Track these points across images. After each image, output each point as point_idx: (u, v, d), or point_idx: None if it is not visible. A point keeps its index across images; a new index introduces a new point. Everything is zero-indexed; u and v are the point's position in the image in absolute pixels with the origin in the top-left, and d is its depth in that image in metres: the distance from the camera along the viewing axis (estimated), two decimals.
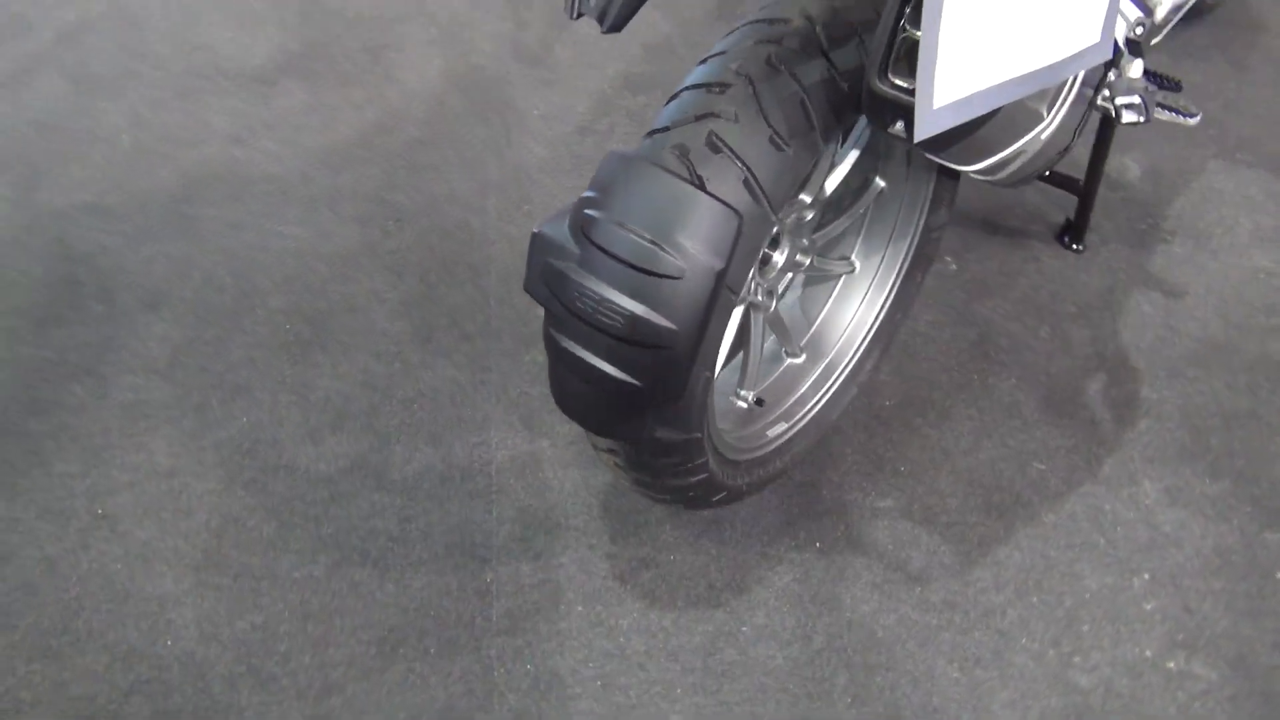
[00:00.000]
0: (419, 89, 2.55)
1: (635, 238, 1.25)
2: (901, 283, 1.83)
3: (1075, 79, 1.37)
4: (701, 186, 1.27)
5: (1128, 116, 1.45)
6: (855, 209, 1.73)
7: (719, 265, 1.25)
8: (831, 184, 1.61)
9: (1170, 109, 1.77)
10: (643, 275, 1.26)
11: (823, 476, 1.86)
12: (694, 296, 1.26)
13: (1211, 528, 1.80)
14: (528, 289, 1.36)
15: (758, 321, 1.65)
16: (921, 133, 1.09)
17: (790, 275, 1.70)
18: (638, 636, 1.66)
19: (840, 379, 1.82)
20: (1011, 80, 1.14)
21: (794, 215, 1.60)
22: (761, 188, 1.29)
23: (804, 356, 1.81)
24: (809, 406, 1.78)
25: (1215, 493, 1.85)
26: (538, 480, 1.84)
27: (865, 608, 1.70)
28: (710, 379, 1.39)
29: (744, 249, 1.30)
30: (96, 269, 2.14)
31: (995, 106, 1.15)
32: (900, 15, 1.13)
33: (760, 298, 1.63)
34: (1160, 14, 1.79)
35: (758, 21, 1.38)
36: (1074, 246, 2.23)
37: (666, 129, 1.33)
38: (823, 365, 1.81)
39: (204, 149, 2.39)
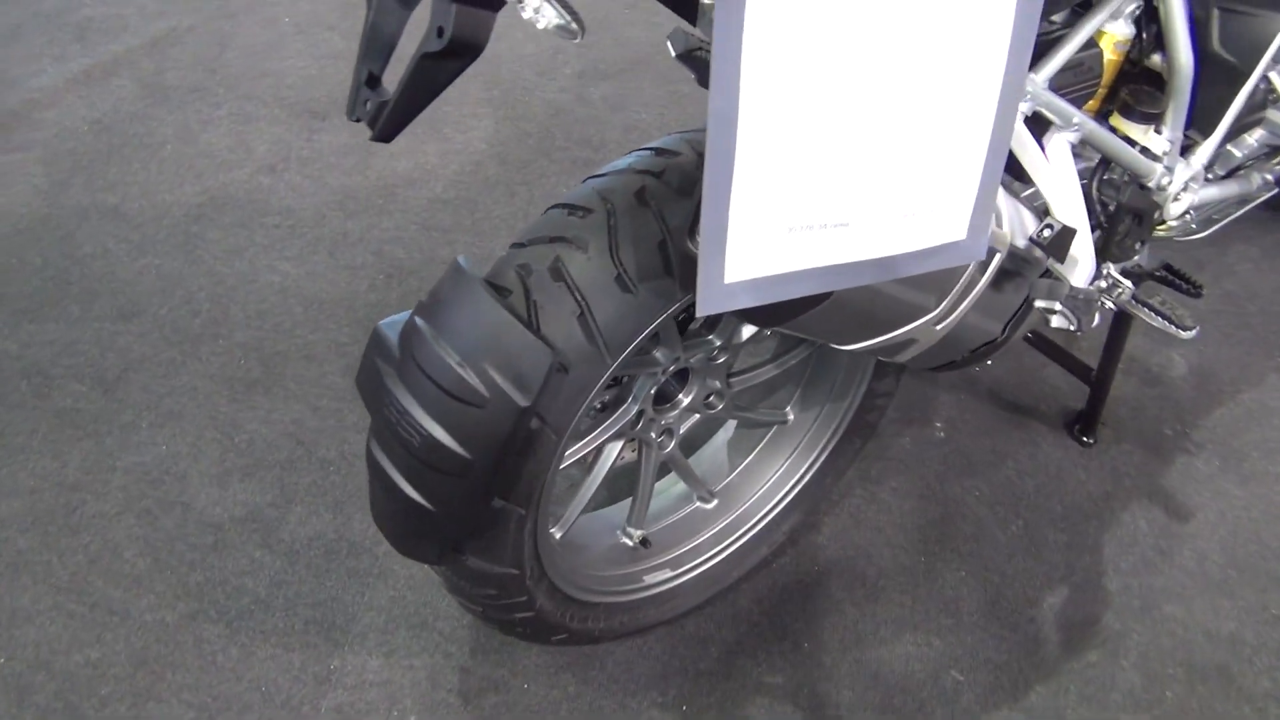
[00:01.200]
0: (459, 148, 2.53)
1: (445, 357, 1.17)
2: (835, 446, 1.68)
3: (987, 269, 1.23)
4: (525, 317, 1.18)
5: (1055, 321, 1.28)
6: (787, 359, 1.60)
7: (523, 401, 1.15)
8: (748, 330, 1.49)
9: (1163, 315, 1.57)
10: (445, 397, 1.17)
11: (718, 633, 1.72)
12: (493, 428, 1.17)
13: None
14: (357, 384, 1.30)
15: (648, 459, 1.54)
16: (706, 307, 0.98)
17: (697, 416, 1.58)
18: None
19: (748, 536, 1.68)
20: (838, 266, 1.01)
21: (701, 355, 1.48)
22: (597, 328, 1.19)
23: (715, 503, 1.68)
24: (704, 558, 1.65)
25: None
26: (423, 572, 1.76)
27: None
28: (525, 516, 1.29)
29: (564, 388, 1.19)
30: (89, 271, 2.18)
31: (818, 292, 1.02)
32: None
33: (654, 435, 1.52)
34: (1177, 209, 1.60)
35: (647, 149, 1.29)
36: (1082, 439, 2.02)
37: (522, 245, 1.24)
38: (732, 517, 1.68)
39: (235, 172, 2.42)
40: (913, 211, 1.02)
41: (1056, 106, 1.29)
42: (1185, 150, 1.59)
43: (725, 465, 1.71)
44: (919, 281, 1.15)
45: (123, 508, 1.81)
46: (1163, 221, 1.59)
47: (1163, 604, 1.80)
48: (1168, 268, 1.74)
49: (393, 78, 1.08)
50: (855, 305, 1.13)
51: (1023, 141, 1.27)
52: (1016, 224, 1.29)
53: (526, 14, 0.86)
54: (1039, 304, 1.27)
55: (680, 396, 1.52)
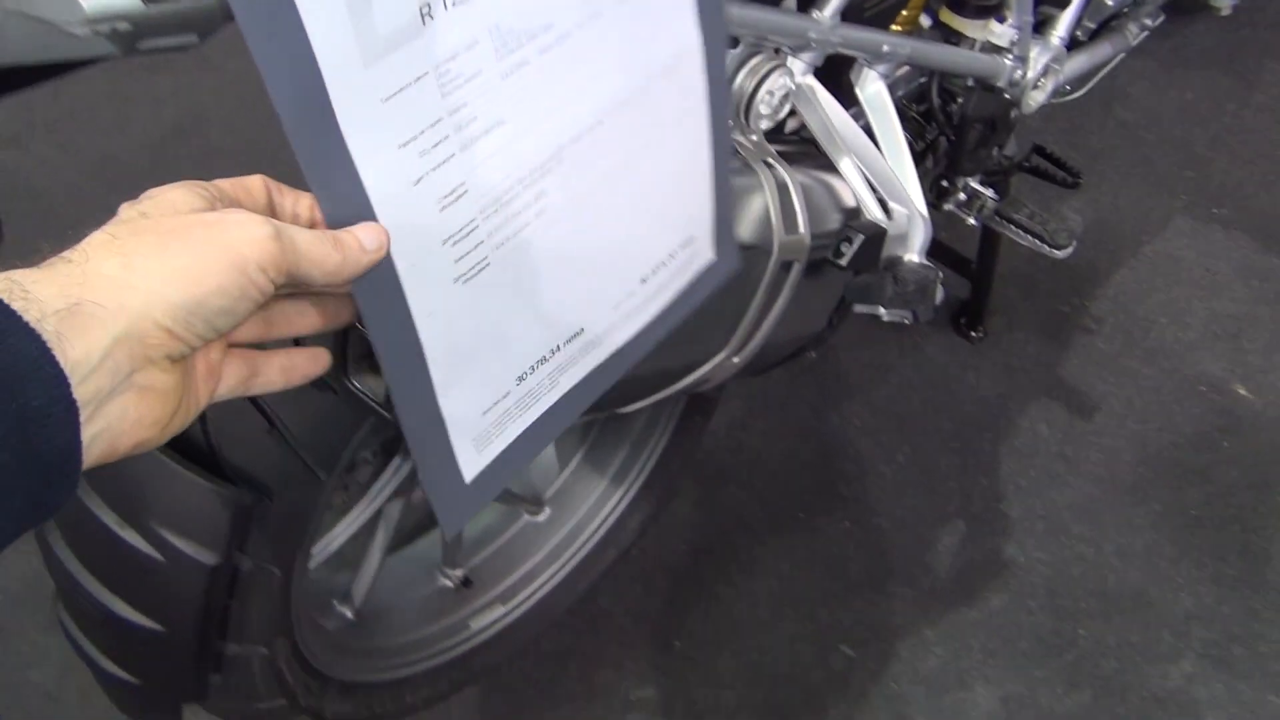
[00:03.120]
0: (236, 78, 2.16)
1: (99, 515, 0.91)
2: (677, 425, 1.44)
3: (782, 289, 0.96)
4: (203, 444, 0.91)
5: (886, 317, 1.03)
6: None
7: (210, 559, 0.90)
8: None
9: (1033, 234, 1.32)
10: (115, 564, 0.92)
11: (577, 645, 1.52)
12: (181, 595, 0.92)
13: None
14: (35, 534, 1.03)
15: None
16: (454, 525, 0.72)
17: None
18: None
19: (592, 543, 1.45)
20: (591, 375, 0.75)
21: None
22: (295, 443, 0.93)
23: (546, 513, 1.45)
24: (542, 581, 1.43)
25: (1067, 709, 1.46)
26: None
27: None
28: (270, 655, 1.05)
29: (271, 521, 0.94)
30: None
31: (584, 409, 0.76)
32: None
33: None
34: (1038, 99, 1.32)
35: None
36: (971, 334, 1.79)
37: None
38: (570, 525, 1.45)
39: None
40: (650, 270, 0.75)
41: (855, 40, 1.00)
42: (1041, 26, 1.30)
43: (554, 466, 1.47)
44: (687, 338, 0.88)
45: None
46: (1020, 116, 1.31)
47: (1070, 524, 1.61)
48: (1039, 151, 1.48)
49: None
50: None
51: (813, 102, 0.97)
52: (829, 208, 1.01)
53: None
54: (857, 309, 1.01)
55: None
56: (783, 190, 0.91)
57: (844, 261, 0.90)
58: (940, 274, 1.03)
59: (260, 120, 2.08)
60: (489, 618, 1.39)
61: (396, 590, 1.34)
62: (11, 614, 1.55)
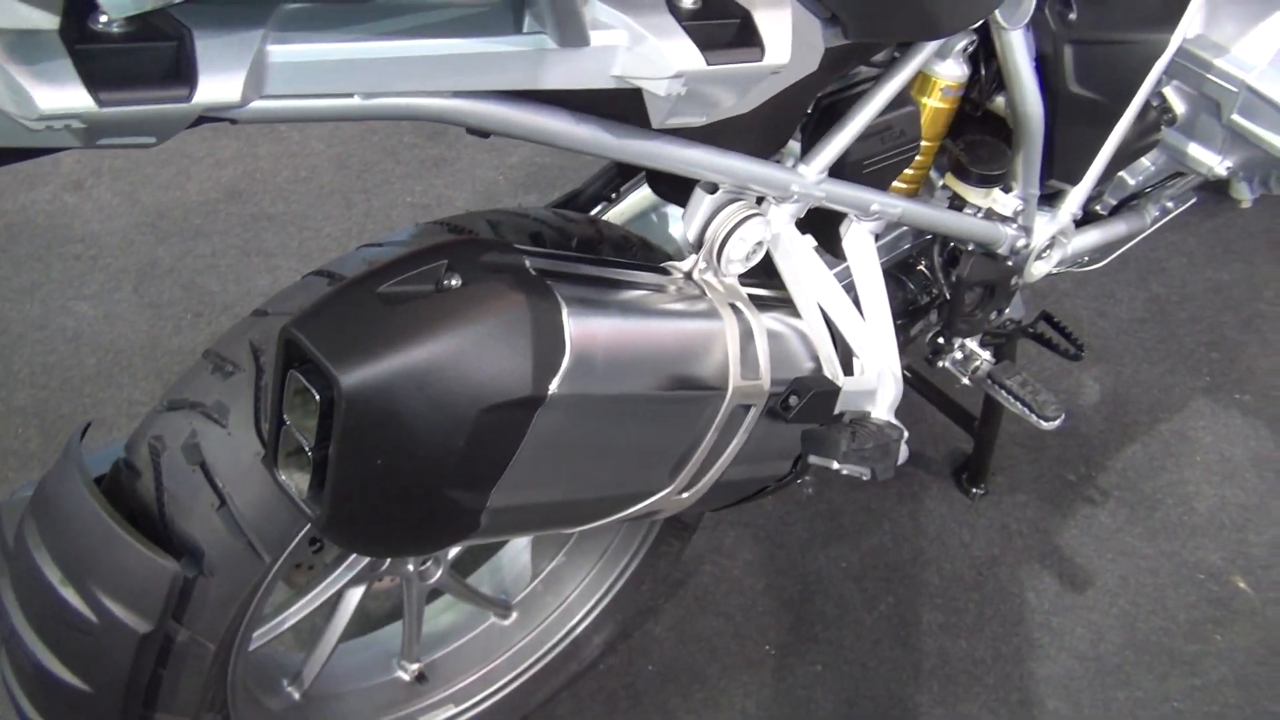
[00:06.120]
0: (295, 150, 2.25)
1: (46, 573, 0.93)
2: (650, 547, 1.44)
3: (736, 434, 0.96)
4: (156, 509, 0.94)
5: (844, 471, 1.03)
6: None
7: (142, 627, 0.92)
8: None
9: (1021, 401, 1.32)
10: (53, 620, 0.94)
11: None
12: (110, 659, 0.94)
13: None
14: None
15: (410, 592, 1.30)
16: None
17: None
18: None
19: (554, 654, 1.45)
20: None
21: None
22: (244, 523, 0.95)
23: (513, 618, 1.45)
24: (498, 685, 1.42)
25: None
26: None
27: None
28: None
29: (210, 597, 0.96)
30: None
31: None
32: (280, 400, 0.77)
33: (411, 568, 1.28)
34: (1041, 270, 1.33)
35: (321, 273, 1.03)
36: (971, 490, 1.78)
37: (167, 406, 0.99)
38: (533, 633, 1.45)
39: (39, 191, 2.16)
40: None
41: (841, 196, 1.02)
42: (1052, 199, 1.31)
43: (527, 571, 1.47)
44: (634, 468, 0.90)
45: None
46: (1021, 284, 1.32)
47: (1046, 699, 1.57)
48: (1046, 318, 1.48)
49: None
50: (541, 509, 0.88)
51: (787, 251, 0.99)
52: (801, 356, 1.02)
53: None
54: (812, 460, 1.01)
55: None
56: (745, 335, 0.93)
57: (790, 415, 0.91)
58: (905, 434, 1.03)
59: (311, 194, 2.16)
60: (439, 716, 1.38)
61: (349, 677, 1.35)
62: None
